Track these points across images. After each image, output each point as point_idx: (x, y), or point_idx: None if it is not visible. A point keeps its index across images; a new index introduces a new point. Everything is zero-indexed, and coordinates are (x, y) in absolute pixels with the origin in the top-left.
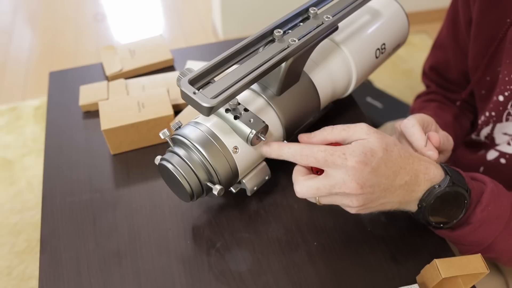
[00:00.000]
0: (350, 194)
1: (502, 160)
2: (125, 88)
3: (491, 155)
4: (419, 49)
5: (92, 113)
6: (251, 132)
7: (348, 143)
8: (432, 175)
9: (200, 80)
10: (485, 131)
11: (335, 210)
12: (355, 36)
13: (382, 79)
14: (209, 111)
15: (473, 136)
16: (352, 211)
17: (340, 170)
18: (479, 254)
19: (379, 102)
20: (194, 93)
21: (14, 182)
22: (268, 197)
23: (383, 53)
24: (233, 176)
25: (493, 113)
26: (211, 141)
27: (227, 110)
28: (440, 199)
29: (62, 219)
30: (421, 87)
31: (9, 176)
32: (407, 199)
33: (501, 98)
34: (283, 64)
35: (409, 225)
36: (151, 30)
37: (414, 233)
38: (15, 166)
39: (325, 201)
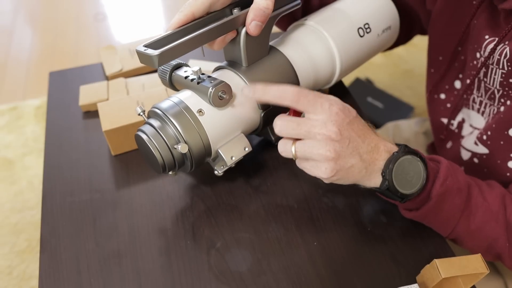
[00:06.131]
0: (329, 139)
1: (475, 160)
2: (125, 87)
3: (465, 155)
4: (419, 49)
5: (92, 113)
6: (210, 88)
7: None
8: (389, 147)
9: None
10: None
11: (335, 210)
12: (325, 12)
13: (382, 79)
14: (157, 59)
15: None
16: (327, 169)
17: (324, 114)
18: (479, 254)
19: (380, 102)
20: (145, 49)
21: (15, 182)
22: (268, 197)
23: (369, 32)
24: (202, 141)
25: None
26: (175, 105)
27: (192, 80)
28: (400, 165)
29: (62, 219)
30: (422, 87)
31: (9, 175)
32: (372, 168)
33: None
34: (242, 35)
35: (409, 225)
36: (152, 30)
37: (414, 233)
38: (16, 166)
39: (302, 149)
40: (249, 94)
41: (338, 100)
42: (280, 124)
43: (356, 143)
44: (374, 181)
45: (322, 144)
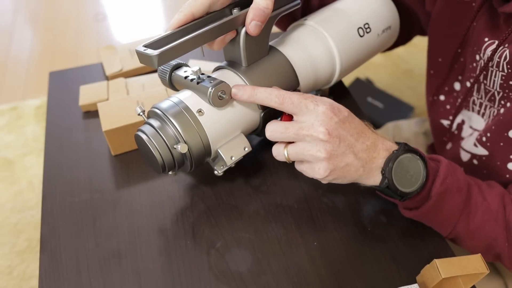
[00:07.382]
0: (318, 140)
1: (475, 161)
2: (125, 87)
3: (464, 156)
4: (419, 50)
5: (92, 113)
6: (210, 88)
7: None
8: (388, 145)
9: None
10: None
11: (335, 210)
12: (325, 12)
13: (383, 79)
14: (157, 59)
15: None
16: (320, 169)
17: (310, 115)
18: (479, 254)
19: (380, 102)
20: (145, 49)
21: (15, 182)
22: (268, 197)
23: (369, 32)
24: (202, 141)
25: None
26: (175, 105)
27: (191, 80)
28: (400, 164)
29: (62, 219)
30: (422, 87)
31: (9, 175)
32: (369, 166)
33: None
34: (241, 35)
35: (409, 225)
36: (152, 30)
37: (414, 233)
38: (16, 166)
39: (293, 152)
40: (237, 95)
41: (327, 100)
42: (270, 129)
43: (349, 141)
44: (374, 179)
45: (312, 145)
